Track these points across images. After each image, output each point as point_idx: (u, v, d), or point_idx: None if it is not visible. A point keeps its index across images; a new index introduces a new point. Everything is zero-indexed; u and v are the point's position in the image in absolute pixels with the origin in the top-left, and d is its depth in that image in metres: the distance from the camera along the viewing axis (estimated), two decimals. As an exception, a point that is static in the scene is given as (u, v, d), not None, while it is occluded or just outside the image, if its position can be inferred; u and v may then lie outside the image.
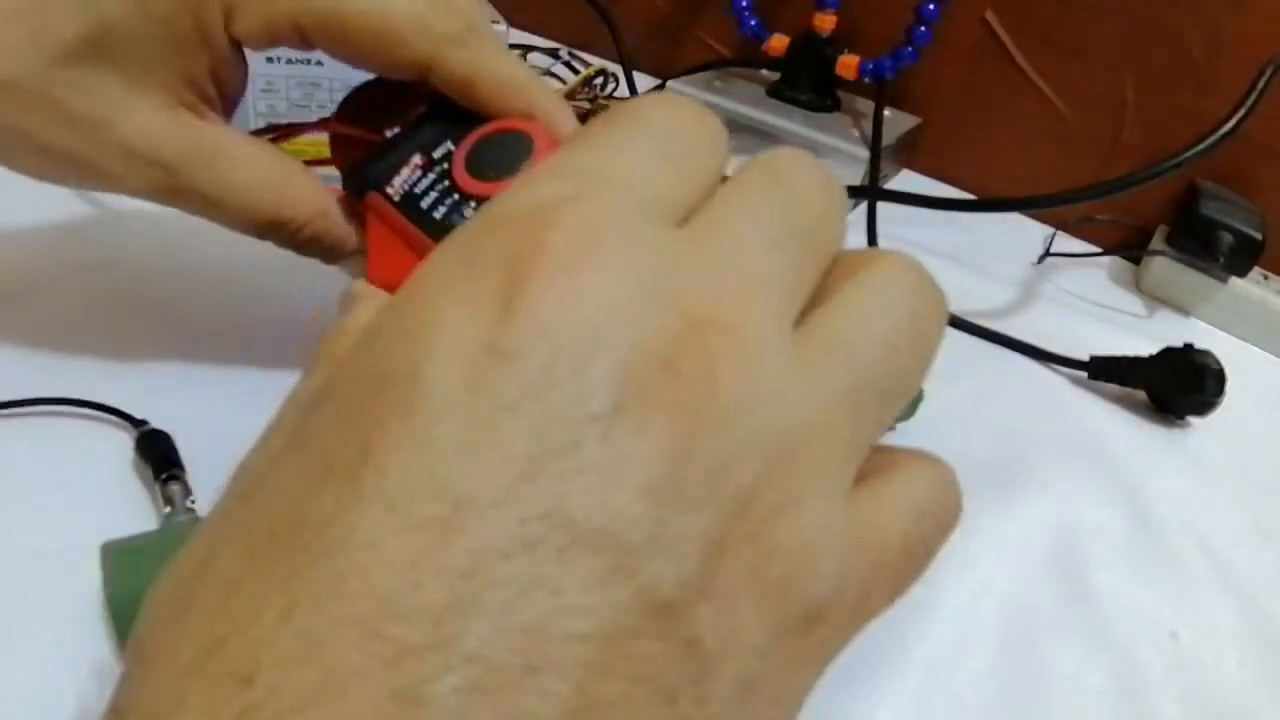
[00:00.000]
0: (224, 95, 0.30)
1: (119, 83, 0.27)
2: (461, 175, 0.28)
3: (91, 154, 0.28)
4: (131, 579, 0.24)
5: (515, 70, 0.29)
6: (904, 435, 0.28)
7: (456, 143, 0.28)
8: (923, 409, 0.34)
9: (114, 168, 0.28)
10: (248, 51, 0.30)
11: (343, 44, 0.29)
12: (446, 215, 0.27)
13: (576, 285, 0.12)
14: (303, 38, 0.29)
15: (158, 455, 0.29)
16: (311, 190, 0.30)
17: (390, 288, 0.28)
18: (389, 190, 0.28)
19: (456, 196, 0.27)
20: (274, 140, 0.33)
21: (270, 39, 0.29)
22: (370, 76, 0.32)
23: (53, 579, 0.25)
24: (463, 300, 0.12)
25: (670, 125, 0.15)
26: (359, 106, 0.32)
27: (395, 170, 0.28)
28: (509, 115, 0.29)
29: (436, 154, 0.28)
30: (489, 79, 0.28)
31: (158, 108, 0.28)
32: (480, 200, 0.27)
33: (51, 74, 0.26)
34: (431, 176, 0.28)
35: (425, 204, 0.28)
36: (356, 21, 0.28)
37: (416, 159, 0.28)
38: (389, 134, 0.31)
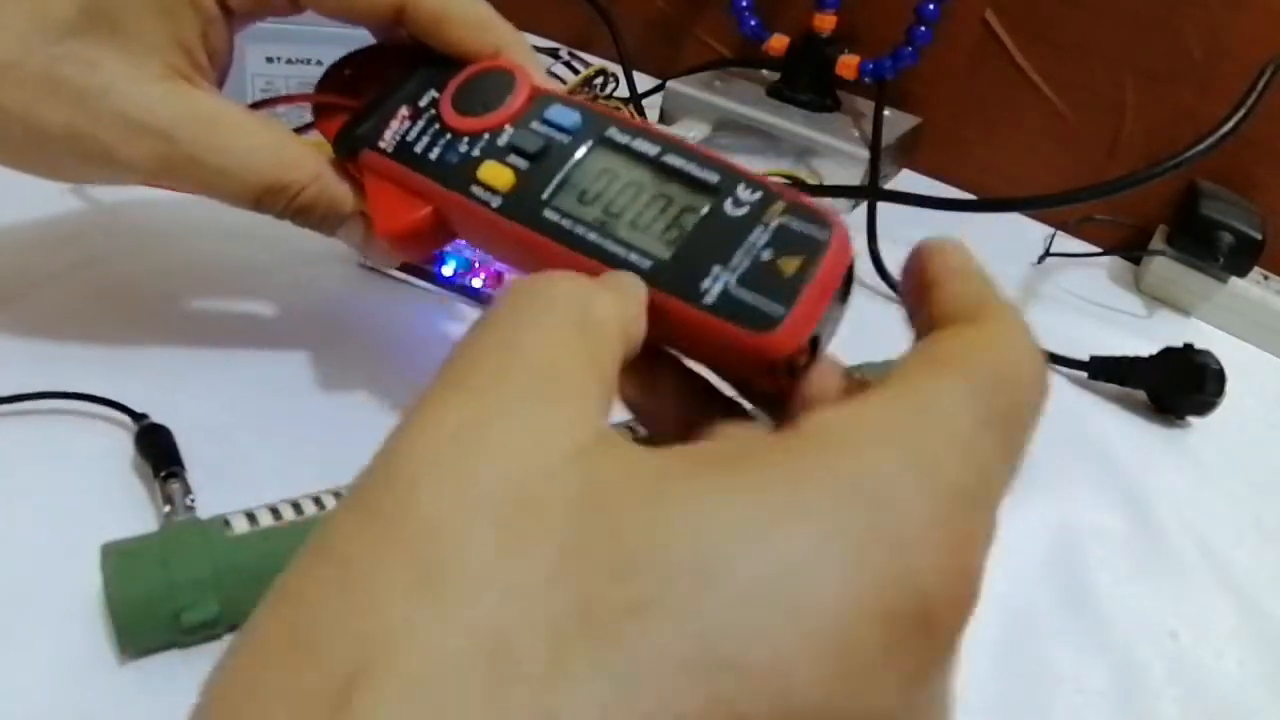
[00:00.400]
0: (215, 64, 0.30)
1: (115, 54, 0.27)
2: (451, 115, 0.28)
3: (91, 128, 0.28)
4: (131, 581, 0.24)
5: (480, 7, 0.30)
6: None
7: (440, 89, 0.29)
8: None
9: (113, 141, 0.28)
10: (245, 50, 0.30)
11: None
12: (442, 154, 0.28)
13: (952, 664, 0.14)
14: None
15: (157, 452, 0.29)
16: (306, 154, 0.30)
17: (398, 236, 0.28)
18: (381, 145, 0.29)
19: (449, 136, 0.28)
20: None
21: (257, 1, 0.29)
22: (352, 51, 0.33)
23: (52, 579, 0.25)
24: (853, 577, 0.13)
25: (1031, 427, 0.16)
26: (338, 79, 0.33)
27: (385, 125, 0.29)
28: (479, 54, 0.29)
29: (422, 103, 0.29)
30: (457, 15, 0.30)
31: (154, 78, 0.28)
32: (473, 136, 0.27)
33: (52, 51, 0.27)
34: (421, 124, 0.29)
35: (419, 149, 0.28)
36: None
37: (404, 111, 0.29)
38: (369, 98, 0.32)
